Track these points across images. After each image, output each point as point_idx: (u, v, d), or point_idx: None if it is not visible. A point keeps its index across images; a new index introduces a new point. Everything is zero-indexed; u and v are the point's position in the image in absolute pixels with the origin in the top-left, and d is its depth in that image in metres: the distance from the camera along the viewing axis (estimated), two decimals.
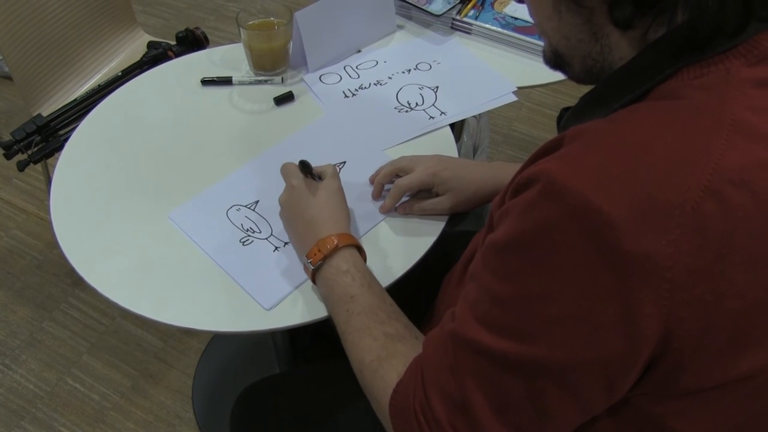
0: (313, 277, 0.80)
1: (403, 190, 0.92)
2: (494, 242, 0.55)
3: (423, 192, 0.94)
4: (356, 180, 0.97)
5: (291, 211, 0.85)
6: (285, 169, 0.89)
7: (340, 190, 0.86)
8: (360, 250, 0.81)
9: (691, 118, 0.50)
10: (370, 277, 0.77)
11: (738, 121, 0.49)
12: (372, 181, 0.96)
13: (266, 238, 0.90)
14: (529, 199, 0.52)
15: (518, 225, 0.52)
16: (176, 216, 0.93)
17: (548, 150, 0.56)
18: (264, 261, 0.87)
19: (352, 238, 0.80)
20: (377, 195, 0.95)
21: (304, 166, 0.86)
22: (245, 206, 0.94)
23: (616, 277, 0.47)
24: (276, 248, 0.88)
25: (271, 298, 0.82)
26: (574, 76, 0.63)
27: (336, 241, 0.78)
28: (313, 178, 0.87)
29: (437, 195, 0.93)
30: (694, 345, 0.49)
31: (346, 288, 0.75)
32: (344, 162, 1.00)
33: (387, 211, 0.93)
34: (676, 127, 0.49)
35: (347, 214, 0.84)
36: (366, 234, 0.91)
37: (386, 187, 0.95)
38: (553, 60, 0.63)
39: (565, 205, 0.48)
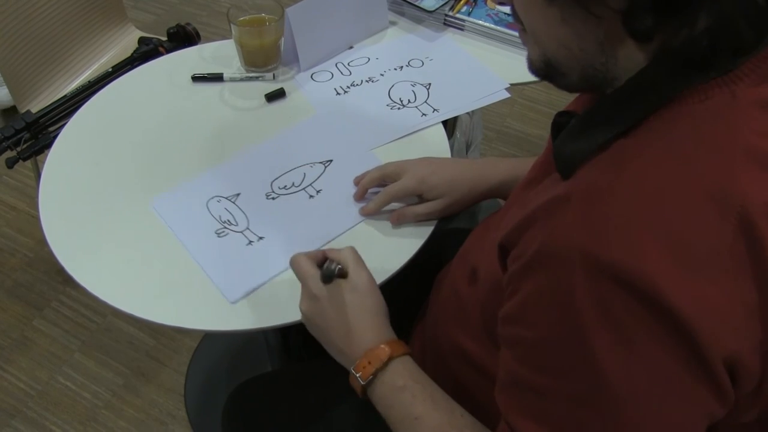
0: (363, 390, 0.70)
1: (391, 198, 0.90)
2: (538, 341, 0.52)
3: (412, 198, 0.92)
4: (341, 179, 0.97)
5: (320, 323, 0.73)
6: (299, 270, 0.75)
7: (371, 281, 0.74)
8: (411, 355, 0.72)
9: (705, 152, 0.48)
10: (432, 389, 0.68)
11: (750, 150, 0.48)
12: (357, 183, 0.94)
13: (242, 231, 0.89)
14: (562, 282, 0.49)
15: (563, 314, 0.49)
16: (158, 203, 0.93)
17: (551, 210, 0.53)
18: (235, 254, 0.87)
19: (402, 345, 0.71)
20: (360, 197, 0.93)
21: (328, 277, 0.72)
22: (226, 198, 0.94)
23: (679, 339, 0.46)
24: (250, 242, 0.88)
25: (236, 291, 0.82)
26: (567, 86, 0.60)
27: (389, 352, 0.68)
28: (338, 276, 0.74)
29: (427, 200, 0.91)
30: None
31: (407, 408, 0.66)
32: (331, 160, 1.00)
33: (368, 214, 0.91)
34: (692, 170, 0.48)
35: (386, 311, 0.74)
36: (350, 231, 0.90)
37: (371, 190, 0.93)
38: (544, 70, 0.59)
39: (611, 279, 0.46)
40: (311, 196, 0.94)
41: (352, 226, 0.91)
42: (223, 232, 0.90)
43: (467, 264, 0.79)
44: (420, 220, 0.91)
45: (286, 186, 0.96)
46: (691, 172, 0.48)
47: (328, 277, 0.72)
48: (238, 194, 0.95)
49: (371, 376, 0.68)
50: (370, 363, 0.68)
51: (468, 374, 0.74)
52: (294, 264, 0.76)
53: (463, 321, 0.76)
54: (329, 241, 0.89)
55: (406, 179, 0.90)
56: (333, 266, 0.73)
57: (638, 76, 0.53)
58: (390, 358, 0.68)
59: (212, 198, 0.94)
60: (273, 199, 0.94)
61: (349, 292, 0.72)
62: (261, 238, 0.89)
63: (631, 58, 0.53)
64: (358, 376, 0.69)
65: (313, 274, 0.73)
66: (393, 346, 0.70)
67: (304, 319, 0.75)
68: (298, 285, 0.80)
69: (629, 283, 0.46)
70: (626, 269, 0.45)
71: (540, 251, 0.51)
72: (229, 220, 0.91)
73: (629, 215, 0.47)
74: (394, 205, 0.92)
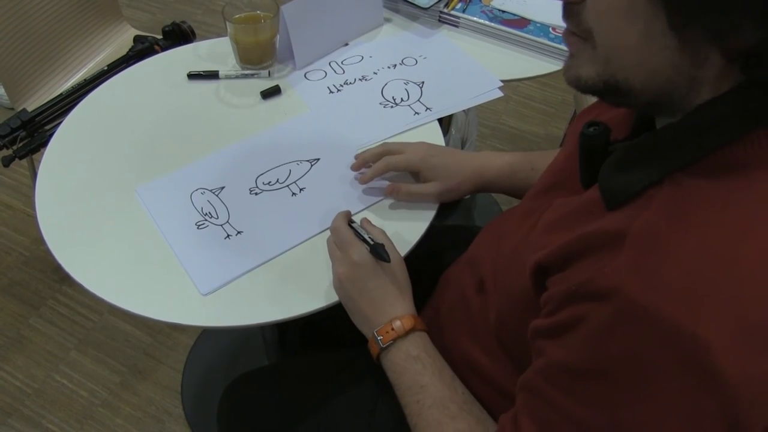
0: (378, 355, 0.75)
1: (390, 167, 0.92)
2: (565, 364, 0.52)
3: (409, 178, 0.94)
4: (326, 178, 0.97)
5: (356, 286, 0.77)
6: (343, 237, 0.79)
7: (403, 262, 0.80)
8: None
9: None
10: (441, 364, 0.72)
11: None
12: (358, 158, 0.96)
13: (221, 225, 0.90)
14: (603, 320, 0.48)
15: (597, 350, 0.48)
16: (142, 192, 0.94)
17: (601, 244, 0.51)
18: (212, 247, 0.87)
19: (423, 322, 0.76)
20: (357, 168, 0.95)
21: (377, 253, 0.76)
22: (210, 190, 0.95)
23: (720, 402, 0.44)
24: (228, 236, 0.89)
25: (209, 284, 0.83)
26: (622, 105, 0.56)
27: (413, 323, 0.74)
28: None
29: (424, 182, 0.92)
30: None
31: (416, 376, 0.71)
32: (318, 159, 1.00)
33: (366, 181, 0.93)
34: (760, 231, 0.45)
35: (411, 289, 0.79)
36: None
37: (371, 184, 0.95)
38: (599, 89, 0.53)
39: (655, 331, 0.45)
40: (294, 194, 0.95)
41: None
42: (203, 224, 0.90)
43: (475, 273, 0.79)
44: (412, 199, 0.92)
45: (270, 182, 0.96)
46: (761, 237, 0.45)
47: (377, 252, 0.77)
48: (222, 187, 0.95)
49: (391, 341, 0.73)
50: (393, 329, 0.73)
51: (475, 383, 0.74)
52: (336, 231, 0.80)
53: (473, 331, 0.77)
54: (306, 240, 0.89)
55: (408, 154, 0.92)
56: (380, 243, 0.78)
57: (710, 109, 0.48)
58: (413, 329, 0.74)
59: (196, 190, 0.95)
60: (256, 194, 0.94)
61: (385, 266, 0.77)
62: (239, 232, 0.89)
63: (711, 92, 0.49)
64: (380, 339, 0.74)
65: (356, 242, 0.78)
66: (417, 320, 0.75)
67: (336, 284, 0.79)
68: (275, 282, 0.83)
69: (676, 342, 0.44)
70: (677, 327, 0.44)
71: (586, 285, 0.50)
72: (210, 213, 0.91)
73: (691, 274, 0.45)
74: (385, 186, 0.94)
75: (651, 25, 0.47)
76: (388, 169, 0.92)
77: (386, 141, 1.02)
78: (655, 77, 0.49)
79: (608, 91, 0.52)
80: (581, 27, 0.52)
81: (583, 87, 0.54)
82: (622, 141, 0.60)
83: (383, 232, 0.82)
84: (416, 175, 0.94)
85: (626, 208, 0.52)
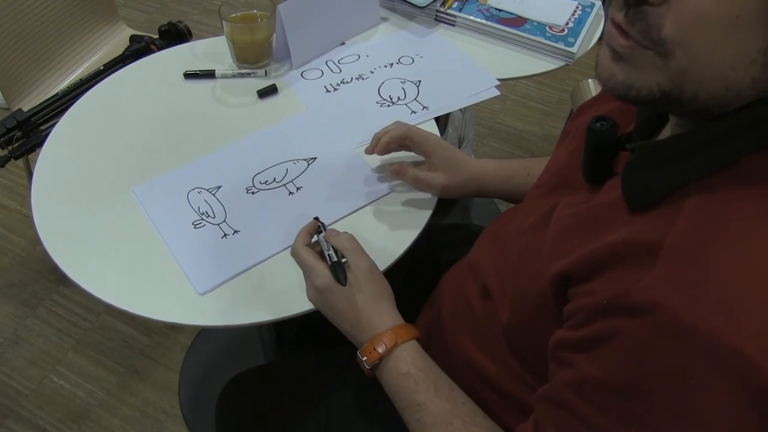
0: (370, 372, 0.72)
1: (406, 136, 0.91)
2: (600, 380, 0.50)
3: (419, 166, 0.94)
4: (323, 177, 0.97)
5: (329, 311, 0.74)
6: (301, 262, 0.75)
7: (371, 268, 0.74)
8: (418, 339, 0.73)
9: None
10: (435, 376, 0.69)
11: None
12: (374, 139, 0.94)
13: (218, 224, 0.90)
14: (642, 336, 0.46)
15: (636, 367, 0.47)
16: (139, 191, 0.94)
17: (632, 254, 0.49)
18: (209, 246, 0.87)
19: (408, 330, 0.72)
20: (370, 151, 0.94)
21: (335, 274, 0.73)
22: (207, 190, 0.95)
23: (765, 419, 0.43)
24: (225, 235, 0.89)
25: (206, 283, 0.83)
26: (669, 112, 0.53)
27: (394, 338, 0.70)
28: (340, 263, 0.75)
29: (430, 170, 0.92)
30: None
31: (411, 394, 0.67)
32: (315, 158, 1.00)
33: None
34: None
35: (390, 295, 0.75)
36: (345, 224, 0.91)
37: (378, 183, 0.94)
38: (652, 100, 0.48)
39: (699, 347, 0.43)
40: (291, 193, 0.95)
41: (328, 225, 0.90)
42: (200, 223, 0.90)
43: (478, 279, 0.78)
44: (416, 185, 0.93)
45: (267, 181, 0.96)
46: None
47: (335, 273, 0.73)
48: (219, 187, 0.95)
49: (377, 361, 0.70)
50: (375, 349, 0.70)
51: (479, 387, 0.74)
52: (296, 256, 0.76)
53: (478, 336, 0.76)
54: None
55: (428, 134, 0.92)
56: (338, 258, 0.74)
57: (734, 116, 0.47)
58: (395, 345, 0.69)
59: (193, 189, 0.95)
60: (253, 193, 0.94)
61: (353, 280, 0.73)
62: (236, 231, 0.89)
63: (744, 98, 0.47)
64: (364, 361, 0.70)
65: (316, 267, 0.74)
66: (398, 331, 0.71)
67: (315, 306, 0.76)
68: (272, 281, 0.83)
69: (722, 358, 0.43)
70: (722, 342, 0.43)
71: (620, 299, 0.48)
72: (207, 212, 0.91)
73: (734, 287, 0.44)
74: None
75: (753, 39, 0.43)
76: (404, 138, 0.91)
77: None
78: (730, 91, 0.46)
79: (662, 102, 0.48)
80: (652, 35, 0.46)
81: (633, 98, 0.49)
82: (628, 137, 0.59)
83: (351, 239, 0.76)
84: (422, 163, 0.94)
85: (654, 212, 0.50)
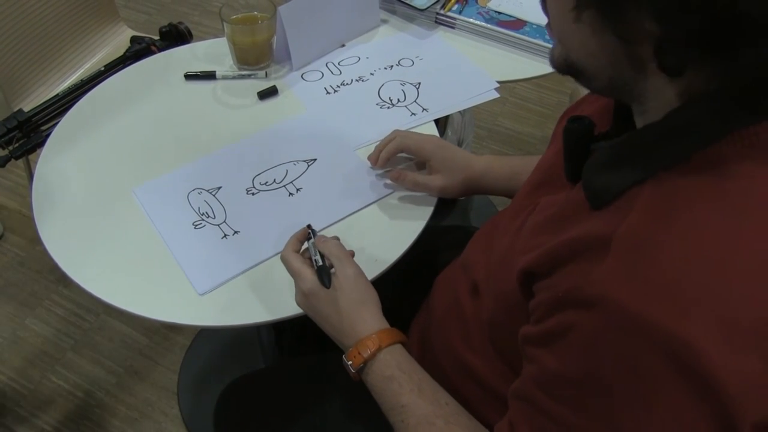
0: (356, 376, 0.73)
1: (402, 147, 0.94)
2: (558, 373, 0.51)
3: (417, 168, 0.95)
4: (323, 178, 0.97)
5: (316, 315, 0.76)
6: (289, 268, 0.78)
7: (357, 273, 0.76)
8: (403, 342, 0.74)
9: (758, 209, 0.46)
10: (419, 378, 0.70)
11: None
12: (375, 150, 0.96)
13: (218, 225, 0.90)
14: (592, 328, 0.48)
15: (589, 358, 0.48)
16: (139, 192, 0.94)
17: (586, 248, 0.50)
18: (209, 247, 0.88)
19: (392, 334, 0.73)
20: (373, 163, 0.96)
21: (320, 278, 0.75)
22: (207, 190, 0.95)
23: (713, 406, 0.44)
24: (225, 236, 0.89)
25: (206, 284, 0.83)
26: (591, 88, 0.57)
27: (378, 342, 0.71)
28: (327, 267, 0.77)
29: (430, 173, 0.93)
30: None
31: (395, 397, 0.68)
32: (315, 159, 1.00)
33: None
34: (746, 229, 0.45)
35: (375, 300, 0.76)
36: (344, 225, 0.91)
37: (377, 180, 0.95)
38: (565, 68, 0.56)
39: (646, 338, 0.44)
40: (291, 194, 0.95)
41: (327, 226, 0.91)
42: (201, 224, 0.90)
43: (469, 276, 0.79)
44: (416, 189, 0.94)
45: (267, 182, 0.96)
46: (748, 236, 0.45)
47: (320, 277, 0.75)
48: (219, 187, 0.95)
49: (362, 365, 0.71)
50: (359, 353, 0.71)
51: (469, 386, 0.74)
52: (284, 262, 0.78)
53: (467, 334, 0.76)
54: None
55: (422, 140, 0.94)
56: (324, 263, 0.76)
57: (674, 115, 0.49)
58: (379, 349, 0.70)
59: (193, 190, 0.95)
60: (253, 194, 0.95)
61: (339, 286, 0.74)
62: (236, 232, 0.89)
63: (664, 93, 0.50)
64: (349, 365, 0.71)
65: (302, 272, 0.76)
66: (383, 335, 0.72)
67: (302, 309, 0.78)
68: (272, 282, 0.83)
69: (667, 348, 0.44)
70: (667, 332, 0.44)
71: (573, 292, 0.49)
72: (207, 213, 0.92)
73: (679, 277, 0.45)
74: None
75: (567, 6, 0.50)
76: (400, 150, 0.93)
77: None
78: (597, 59, 0.52)
79: (572, 71, 0.55)
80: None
81: (555, 66, 0.57)
82: (604, 136, 0.60)
83: (338, 245, 0.78)
84: (422, 166, 0.95)
85: (611, 208, 0.51)
